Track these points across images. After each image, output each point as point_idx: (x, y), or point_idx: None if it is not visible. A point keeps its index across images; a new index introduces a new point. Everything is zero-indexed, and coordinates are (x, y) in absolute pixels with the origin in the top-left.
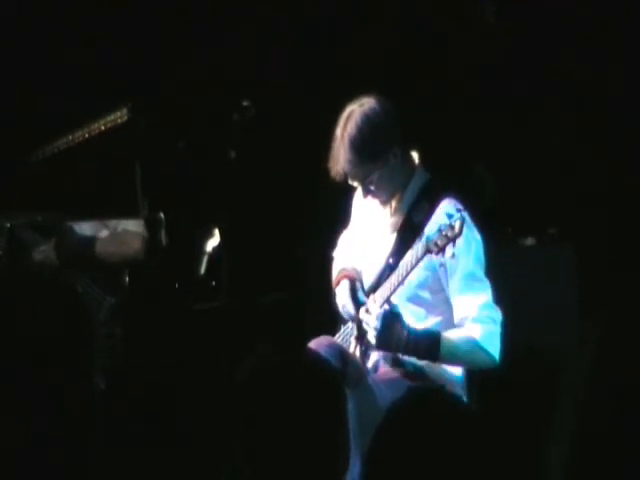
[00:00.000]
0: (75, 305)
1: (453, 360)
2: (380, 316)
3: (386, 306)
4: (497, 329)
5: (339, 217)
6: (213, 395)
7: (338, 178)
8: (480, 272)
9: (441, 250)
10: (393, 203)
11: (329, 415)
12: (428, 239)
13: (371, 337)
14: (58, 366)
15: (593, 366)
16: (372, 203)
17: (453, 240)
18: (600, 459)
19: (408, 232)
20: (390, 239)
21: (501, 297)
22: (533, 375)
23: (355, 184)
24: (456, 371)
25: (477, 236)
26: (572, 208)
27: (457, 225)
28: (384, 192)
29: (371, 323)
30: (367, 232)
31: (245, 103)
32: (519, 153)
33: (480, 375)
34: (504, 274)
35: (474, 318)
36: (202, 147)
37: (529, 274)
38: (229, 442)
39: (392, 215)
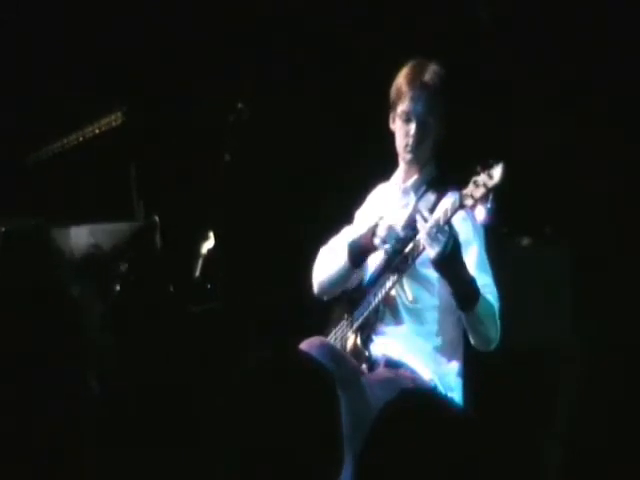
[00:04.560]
0: (69, 309)
1: (479, 315)
2: (447, 233)
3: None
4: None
5: (336, 219)
6: (208, 397)
7: (404, 117)
8: (486, 259)
9: (476, 202)
10: (410, 192)
11: (322, 417)
12: (461, 194)
13: (436, 248)
14: (49, 367)
15: (589, 367)
16: (388, 196)
17: (492, 190)
18: (597, 460)
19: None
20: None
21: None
22: (529, 374)
23: (411, 124)
24: (452, 369)
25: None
26: (568, 207)
27: (496, 172)
28: (422, 153)
29: (434, 234)
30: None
31: (240, 105)
32: (513, 152)
33: (476, 374)
34: (500, 274)
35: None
36: (197, 149)
37: (525, 274)
38: (223, 444)
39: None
